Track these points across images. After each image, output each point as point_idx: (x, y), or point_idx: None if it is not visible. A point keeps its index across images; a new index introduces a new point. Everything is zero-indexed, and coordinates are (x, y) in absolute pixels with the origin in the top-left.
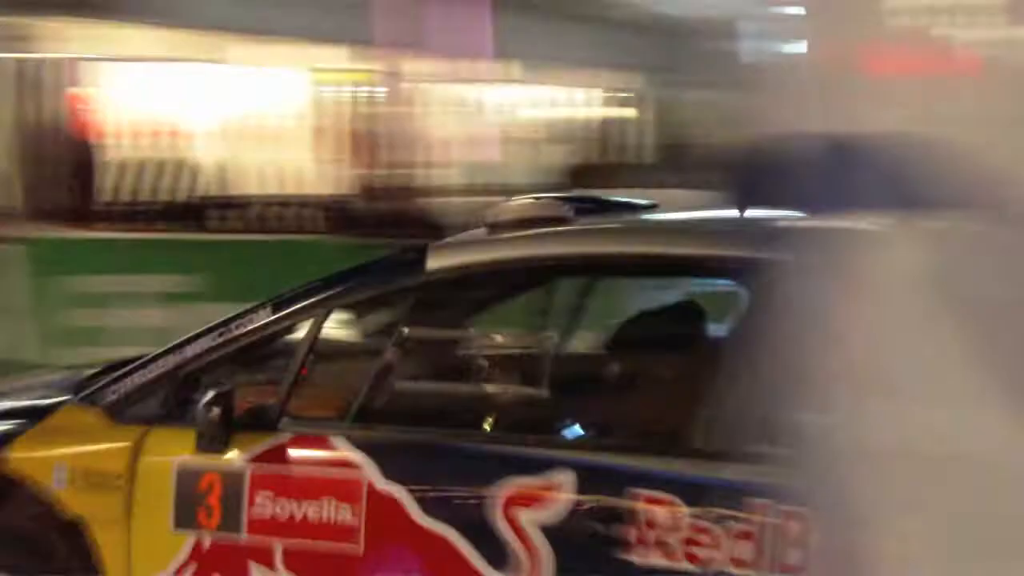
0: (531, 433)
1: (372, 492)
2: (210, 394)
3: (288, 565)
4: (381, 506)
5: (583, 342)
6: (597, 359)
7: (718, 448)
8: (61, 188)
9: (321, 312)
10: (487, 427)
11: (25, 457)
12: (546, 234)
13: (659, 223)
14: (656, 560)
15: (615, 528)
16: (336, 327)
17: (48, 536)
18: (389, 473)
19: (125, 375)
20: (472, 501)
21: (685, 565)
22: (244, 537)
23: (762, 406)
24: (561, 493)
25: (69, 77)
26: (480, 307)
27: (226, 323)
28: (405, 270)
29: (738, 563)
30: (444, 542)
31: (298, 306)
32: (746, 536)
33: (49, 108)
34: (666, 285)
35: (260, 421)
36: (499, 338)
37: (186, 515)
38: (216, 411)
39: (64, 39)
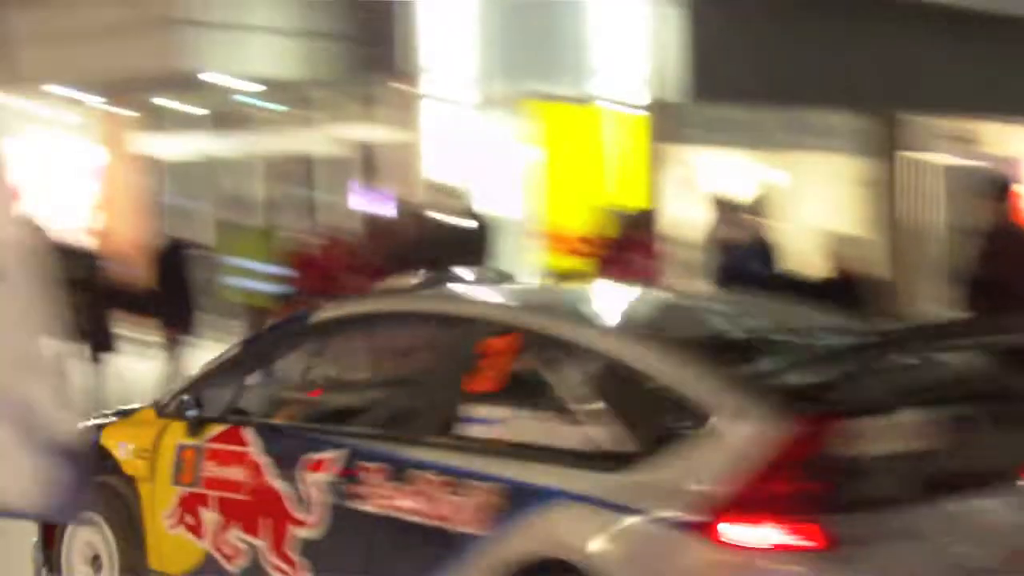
0: (320, 422)
1: (251, 462)
2: (192, 400)
3: (216, 508)
4: (255, 470)
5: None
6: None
7: None
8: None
9: (251, 348)
10: (311, 419)
11: (109, 437)
12: (379, 295)
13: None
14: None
15: (354, 483)
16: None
17: (119, 486)
18: (261, 450)
19: (174, 391)
20: (289, 467)
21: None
22: (199, 489)
23: None
24: (334, 463)
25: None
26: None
27: (211, 360)
28: (299, 321)
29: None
30: (277, 494)
31: (237, 345)
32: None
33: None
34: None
35: (218, 416)
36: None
37: (176, 475)
38: (194, 411)
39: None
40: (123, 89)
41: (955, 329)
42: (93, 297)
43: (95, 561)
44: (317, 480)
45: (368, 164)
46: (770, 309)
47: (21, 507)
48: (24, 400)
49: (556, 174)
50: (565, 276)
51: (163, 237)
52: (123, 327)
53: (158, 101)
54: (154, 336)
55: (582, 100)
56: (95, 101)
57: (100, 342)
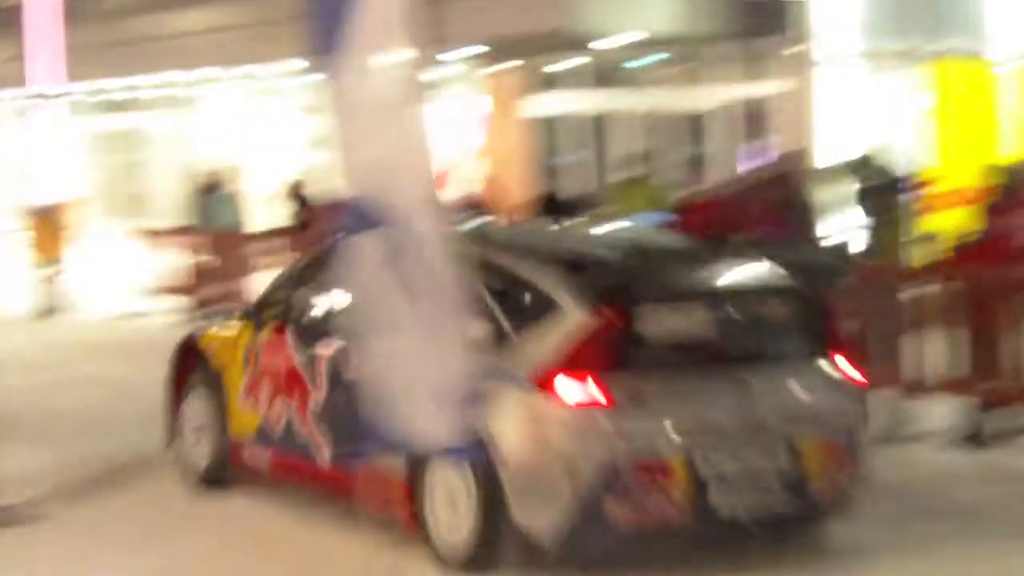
0: (327, 323)
1: (287, 353)
2: (255, 309)
3: (267, 386)
4: (289, 358)
5: None
6: None
7: None
8: None
9: (292, 272)
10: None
11: (204, 338)
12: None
13: None
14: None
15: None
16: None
17: (212, 375)
18: (293, 344)
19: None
20: (309, 354)
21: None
22: (257, 374)
23: None
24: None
25: None
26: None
27: (274, 279)
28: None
29: None
30: (301, 374)
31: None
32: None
33: None
34: None
35: (271, 320)
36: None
37: (245, 363)
38: (255, 317)
39: None
40: (511, 48)
41: (723, 247)
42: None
43: (200, 429)
44: (324, 361)
45: (755, 120)
46: (641, 235)
47: (429, 443)
48: (439, 358)
49: (948, 130)
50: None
51: (546, 193)
52: None
53: (544, 59)
54: None
55: (972, 55)
56: (481, 60)
57: None
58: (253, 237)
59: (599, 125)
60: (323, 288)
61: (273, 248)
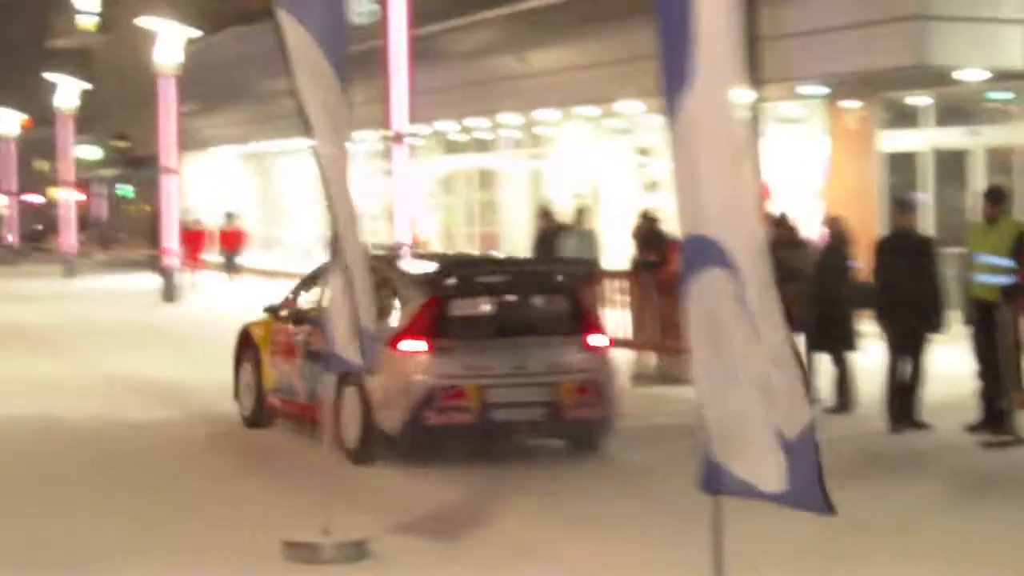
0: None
1: (289, 333)
2: (276, 306)
3: (279, 354)
4: (289, 336)
5: None
6: None
7: None
8: None
9: (303, 281)
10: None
11: (252, 327)
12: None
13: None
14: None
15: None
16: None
17: (253, 351)
18: (291, 329)
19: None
20: (298, 333)
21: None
22: (274, 347)
23: None
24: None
25: None
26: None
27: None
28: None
29: None
30: (292, 345)
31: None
32: None
33: None
34: None
35: (284, 313)
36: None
37: (269, 342)
38: (273, 311)
39: None
40: (857, 85)
41: (508, 262)
42: (822, 290)
43: (248, 386)
44: (300, 336)
45: None
46: (464, 256)
47: (768, 492)
48: (767, 389)
49: None
50: None
51: (893, 229)
52: (859, 322)
53: (891, 94)
54: (876, 330)
55: None
56: (823, 95)
57: (831, 336)
58: (603, 275)
59: (950, 161)
60: (309, 294)
61: (627, 286)
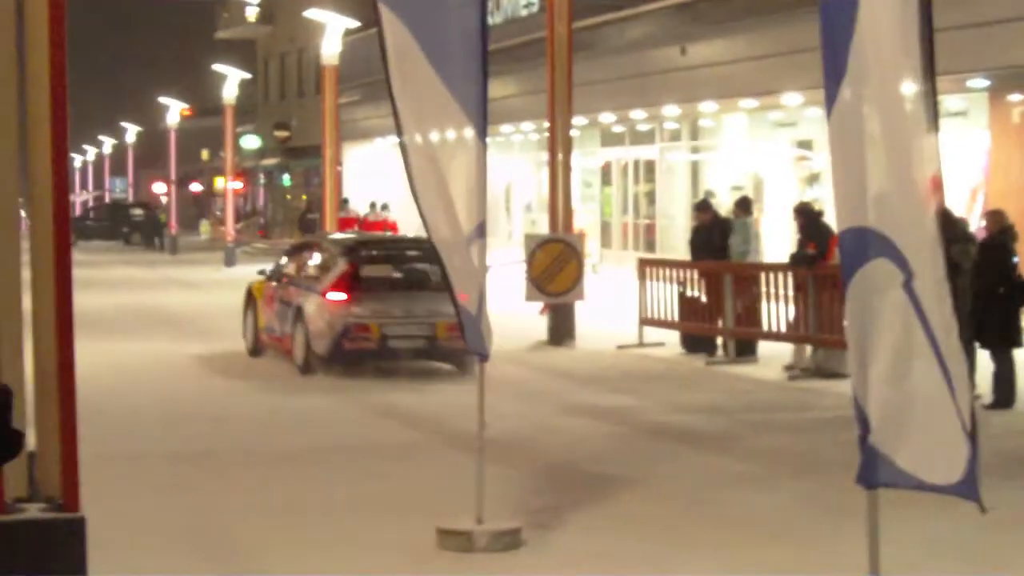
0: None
1: (272, 290)
2: (267, 271)
3: (267, 305)
4: (273, 292)
5: None
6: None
7: None
8: None
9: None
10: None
11: (254, 286)
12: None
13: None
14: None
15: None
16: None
17: (253, 302)
18: (275, 285)
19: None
20: (276, 289)
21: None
22: (265, 299)
23: None
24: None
25: None
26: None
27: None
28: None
29: None
30: (273, 297)
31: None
32: None
33: None
34: None
35: (271, 276)
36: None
37: (263, 295)
38: (266, 275)
39: None
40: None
41: (403, 240)
42: (983, 285)
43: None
44: (278, 291)
45: None
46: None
47: (934, 482)
48: (946, 379)
49: None
50: None
51: None
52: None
53: None
54: None
55: None
56: (986, 87)
57: (992, 332)
58: (762, 268)
59: None
60: (291, 261)
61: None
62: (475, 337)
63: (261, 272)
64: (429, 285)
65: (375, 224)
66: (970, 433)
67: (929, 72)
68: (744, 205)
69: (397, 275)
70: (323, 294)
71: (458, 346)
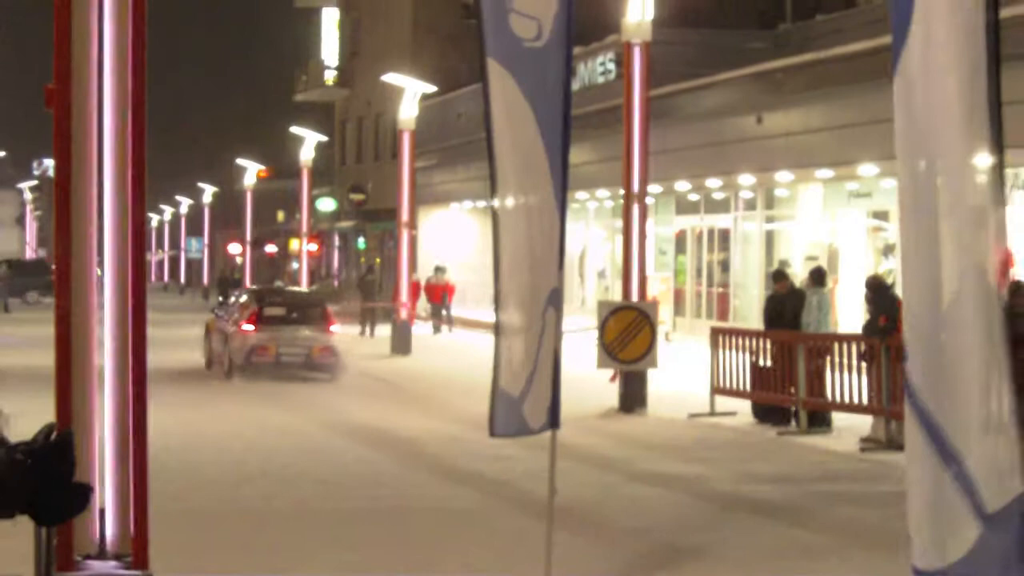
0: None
1: (217, 323)
2: (220, 310)
3: (212, 331)
4: (218, 324)
5: None
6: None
7: None
8: None
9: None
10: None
11: (209, 322)
12: (259, 288)
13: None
14: None
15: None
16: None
17: (208, 332)
18: (217, 319)
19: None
20: (223, 321)
21: None
22: (213, 330)
23: None
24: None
25: None
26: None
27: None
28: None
29: None
30: (218, 327)
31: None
32: None
33: None
34: None
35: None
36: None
37: (211, 328)
38: (215, 313)
39: None
40: None
41: (294, 291)
42: None
43: (208, 351)
44: (218, 323)
45: None
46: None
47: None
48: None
49: None
50: None
51: None
52: None
53: None
54: None
55: None
56: None
57: None
58: (826, 339)
59: None
60: (228, 306)
61: (859, 350)
62: (509, 419)
63: (212, 311)
64: (308, 321)
65: (436, 287)
66: (998, 513)
67: (997, 144)
68: (818, 276)
69: (287, 314)
70: (240, 326)
71: (325, 361)
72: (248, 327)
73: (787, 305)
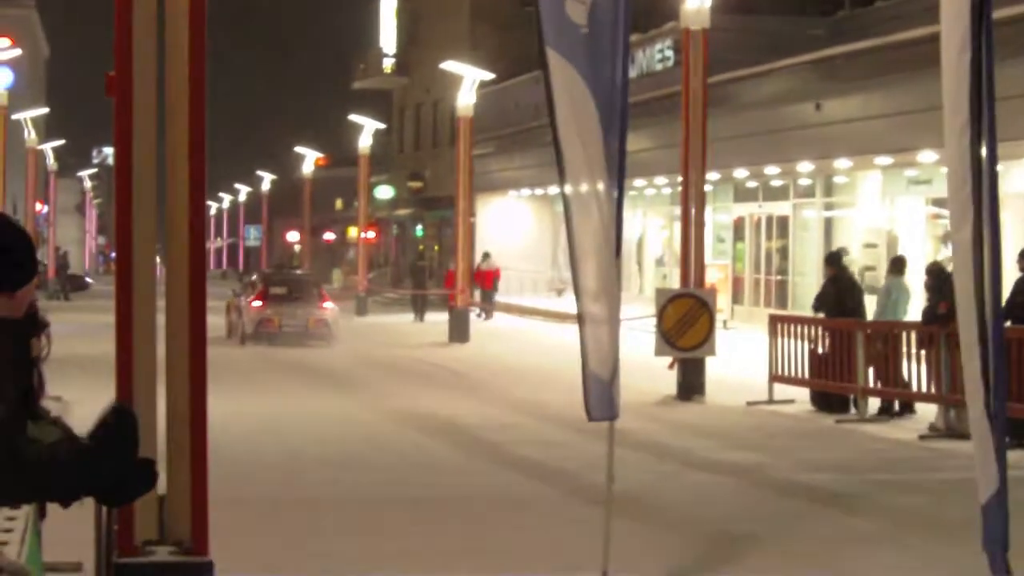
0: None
1: (237, 302)
2: (237, 289)
3: (234, 309)
4: (237, 302)
5: None
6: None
7: None
8: None
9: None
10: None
11: (231, 299)
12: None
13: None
14: None
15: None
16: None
17: (231, 308)
18: (237, 298)
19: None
20: (239, 302)
21: None
22: (234, 307)
23: None
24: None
25: None
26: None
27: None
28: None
29: None
30: (239, 307)
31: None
32: None
33: None
34: None
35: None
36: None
37: (232, 306)
38: (234, 292)
39: None
40: None
41: (295, 271)
42: None
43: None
44: (234, 302)
45: None
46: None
47: None
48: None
49: None
50: None
51: None
52: None
53: None
54: None
55: None
56: None
57: None
58: (885, 327)
59: None
60: (243, 286)
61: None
62: (603, 403)
63: (232, 291)
64: (306, 298)
65: (488, 273)
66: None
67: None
68: (896, 265)
69: (289, 292)
70: (250, 302)
71: (321, 332)
72: (257, 303)
73: (841, 292)
